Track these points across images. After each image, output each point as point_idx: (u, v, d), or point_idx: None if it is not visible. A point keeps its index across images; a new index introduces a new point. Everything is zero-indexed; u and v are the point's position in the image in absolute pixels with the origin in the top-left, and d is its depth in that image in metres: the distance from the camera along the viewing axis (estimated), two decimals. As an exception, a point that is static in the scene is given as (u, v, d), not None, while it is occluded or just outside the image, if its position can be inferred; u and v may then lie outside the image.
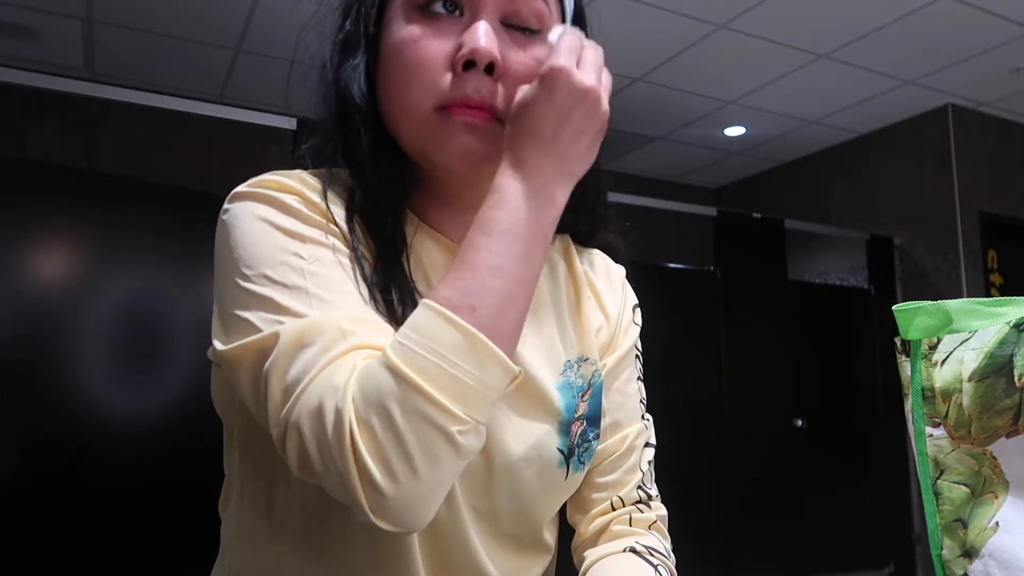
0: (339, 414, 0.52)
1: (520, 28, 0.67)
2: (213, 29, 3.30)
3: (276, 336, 0.56)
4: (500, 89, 0.65)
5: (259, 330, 0.57)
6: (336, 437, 0.52)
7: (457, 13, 0.65)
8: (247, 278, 0.60)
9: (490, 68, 0.63)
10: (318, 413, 0.53)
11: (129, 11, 3.15)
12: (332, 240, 0.63)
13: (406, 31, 0.65)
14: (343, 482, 0.52)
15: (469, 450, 0.54)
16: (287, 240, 0.61)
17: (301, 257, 0.60)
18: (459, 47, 0.63)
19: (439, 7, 0.65)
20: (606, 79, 0.62)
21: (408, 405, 0.51)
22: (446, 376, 0.52)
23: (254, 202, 0.63)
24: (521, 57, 0.66)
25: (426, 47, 0.64)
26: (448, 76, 0.63)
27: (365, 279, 0.63)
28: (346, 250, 0.63)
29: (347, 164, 0.69)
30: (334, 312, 0.57)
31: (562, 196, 0.61)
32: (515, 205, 0.58)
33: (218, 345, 0.60)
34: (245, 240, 0.61)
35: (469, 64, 0.63)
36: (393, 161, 0.68)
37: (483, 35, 0.63)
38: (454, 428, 0.52)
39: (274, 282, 0.59)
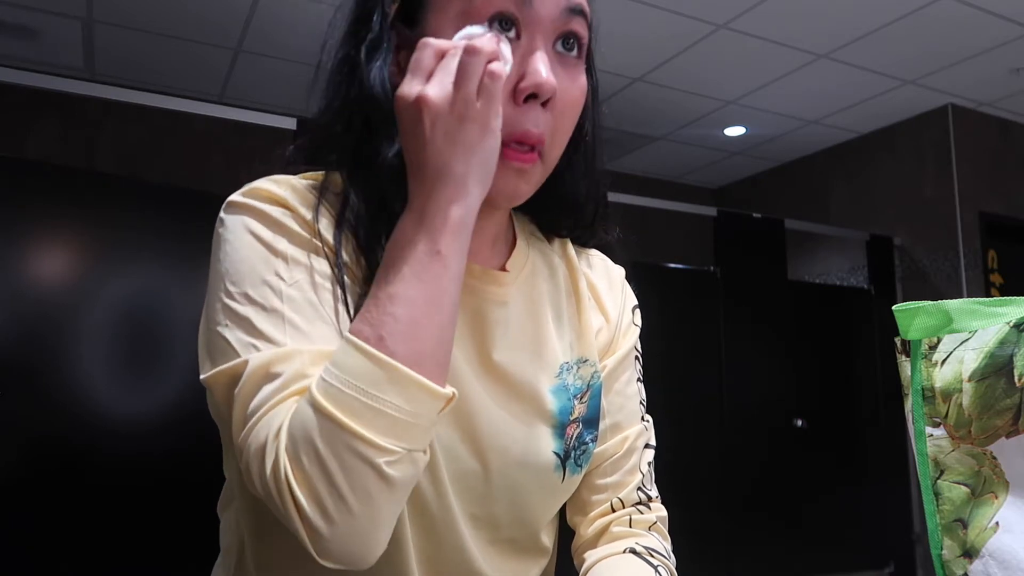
0: (276, 455, 0.53)
1: (567, 48, 0.67)
2: (213, 29, 3.30)
3: (245, 364, 0.57)
4: (548, 117, 0.65)
5: (236, 352, 0.59)
6: (273, 478, 0.53)
7: (513, 34, 0.64)
8: (230, 295, 0.61)
9: (546, 101, 0.64)
10: (261, 453, 0.54)
11: (129, 11, 3.15)
12: (315, 261, 0.62)
13: None
14: (288, 522, 0.53)
15: (402, 481, 0.54)
16: (271, 259, 0.61)
17: (282, 278, 0.61)
18: (520, 76, 0.63)
19: (495, 26, 0.63)
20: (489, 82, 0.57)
21: (332, 441, 0.52)
22: (366, 408, 0.52)
23: (244, 215, 0.63)
24: (570, 86, 0.66)
25: None
26: (508, 106, 0.63)
27: (346, 301, 0.62)
28: (329, 271, 0.63)
29: (353, 170, 0.67)
30: (305, 345, 0.58)
31: (455, 212, 0.57)
32: (402, 231, 0.58)
33: (201, 373, 0.62)
34: (232, 256, 0.62)
35: (531, 96, 0.63)
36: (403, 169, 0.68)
37: (546, 67, 0.63)
38: (381, 460, 0.52)
39: (253, 302, 0.60)
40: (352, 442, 0.51)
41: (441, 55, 0.58)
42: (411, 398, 0.53)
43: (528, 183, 0.66)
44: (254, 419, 0.55)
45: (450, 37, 0.61)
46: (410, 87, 0.57)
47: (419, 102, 0.56)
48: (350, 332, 0.55)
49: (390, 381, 0.53)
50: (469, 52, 0.57)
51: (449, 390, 0.56)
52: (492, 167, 0.60)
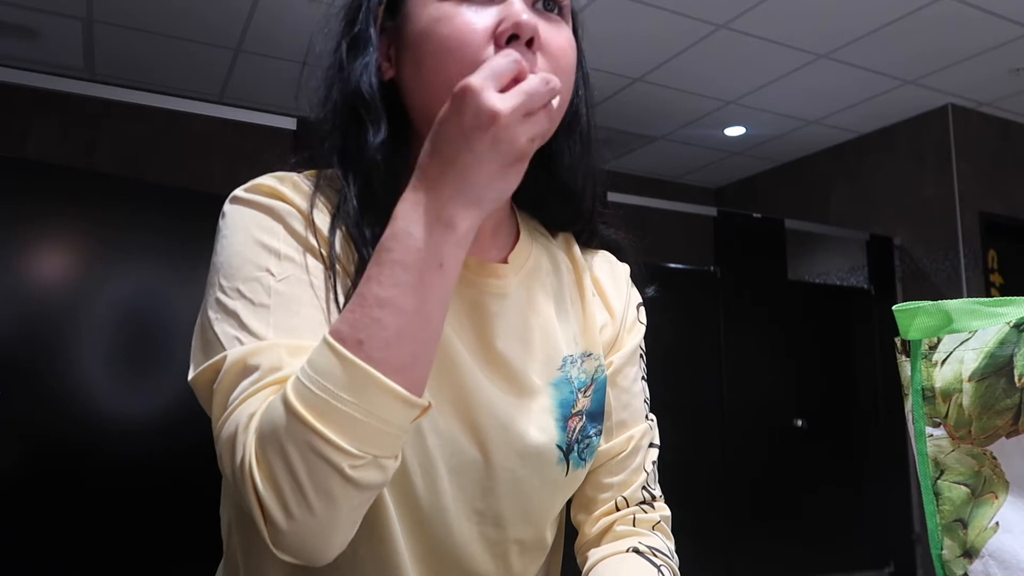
0: (244, 448, 0.54)
1: (548, 8, 0.68)
2: (213, 29, 3.30)
3: (225, 358, 0.58)
4: (541, 60, 0.65)
5: (222, 346, 0.59)
6: (240, 470, 0.53)
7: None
8: (223, 289, 0.62)
9: (530, 42, 0.63)
10: (231, 442, 0.55)
11: (129, 11, 3.15)
12: (308, 259, 0.63)
13: (439, 9, 0.64)
14: (249, 512, 0.54)
15: (367, 484, 0.54)
16: (263, 255, 0.62)
17: (272, 274, 0.62)
18: (499, 22, 0.63)
19: None
20: (546, 114, 0.56)
21: (299, 441, 0.52)
22: (336, 412, 0.52)
23: (245, 208, 0.65)
24: (555, 33, 0.66)
25: (465, 21, 0.63)
26: (491, 48, 0.63)
27: (336, 297, 0.63)
28: (322, 266, 0.64)
29: (346, 165, 0.68)
30: (286, 339, 0.59)
31: (464, 223, 0.55)
32: (407, 231, 0.55)
33: (190, 373, 0.62)
34: (227, 250, 0.63)
35: (512, 38, 0.63)
36: (395, 162, 0.68)
37: (523, 10, 0.63)
38: (345, 463, 0.52)
39: (243, 297, 0.61)
40: (317, 444, 0.51)
41: (520, 70, 0.55)
42: (383, 405, 0.53)
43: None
44: (229, 410, 0.56)
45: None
46: (487, 92, 0.53)
47: (502, 120, 0.53)
48: (329, 332, 0.54)
49: (363, 387, 0.52)
50: (550, 87, 0.55)
51: (425, 400, 0.55)
52: (505, 197, 0.58)
